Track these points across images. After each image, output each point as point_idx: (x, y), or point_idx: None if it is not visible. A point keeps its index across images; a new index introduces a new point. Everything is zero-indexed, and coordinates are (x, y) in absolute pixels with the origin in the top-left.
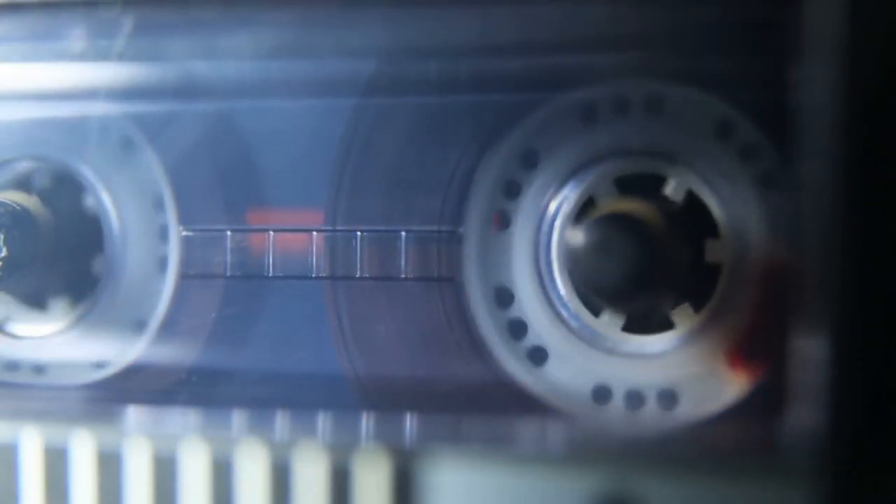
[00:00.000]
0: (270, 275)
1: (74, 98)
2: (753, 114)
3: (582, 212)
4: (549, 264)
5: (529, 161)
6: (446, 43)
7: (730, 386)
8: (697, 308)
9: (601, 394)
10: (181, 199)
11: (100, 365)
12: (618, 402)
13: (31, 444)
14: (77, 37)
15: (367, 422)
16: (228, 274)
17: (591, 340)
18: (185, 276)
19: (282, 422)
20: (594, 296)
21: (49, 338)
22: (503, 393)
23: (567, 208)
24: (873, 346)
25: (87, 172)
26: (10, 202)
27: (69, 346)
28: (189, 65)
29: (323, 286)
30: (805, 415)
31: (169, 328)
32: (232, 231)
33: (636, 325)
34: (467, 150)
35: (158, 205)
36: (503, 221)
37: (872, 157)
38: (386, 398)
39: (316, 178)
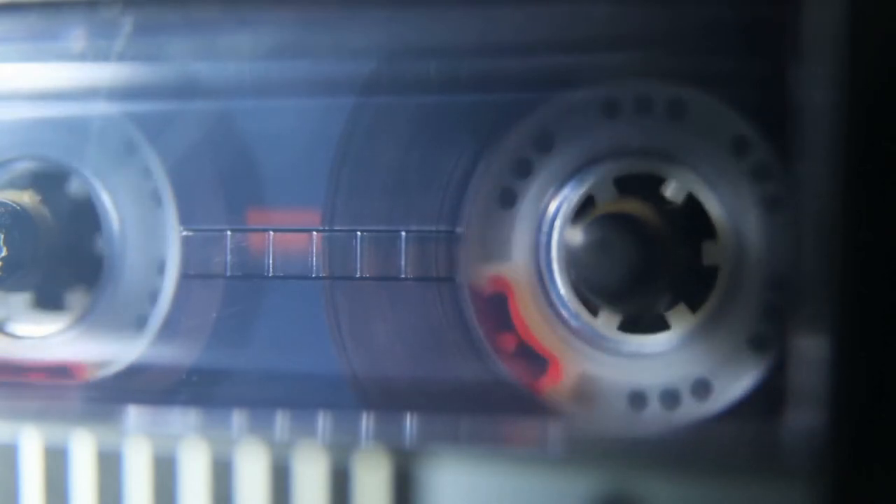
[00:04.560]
0: (270, 275)
1: (74, 98)
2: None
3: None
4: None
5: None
6: (446, 43)
7: None
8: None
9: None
10: (181, 199)
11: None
12: None
13: (31, 444)
14: (77, 37)
15: (367, 422)
16: (228, 274)
17: None
18: (185, 276)
19: (282, 422)
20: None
21: (49, 338)
22: (503, 393)
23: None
24: (873, 346)
25: (87, 172)
26: (10, 202)
27: (69, 346)
28: (189, 65)
29: (323, 286)
30: (805, 415)
31: (169, 328)
32: (232, 231)
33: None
34: (467, 150)
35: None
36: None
37: (872, 157)
38: (386, 398)
39: (316, 178)
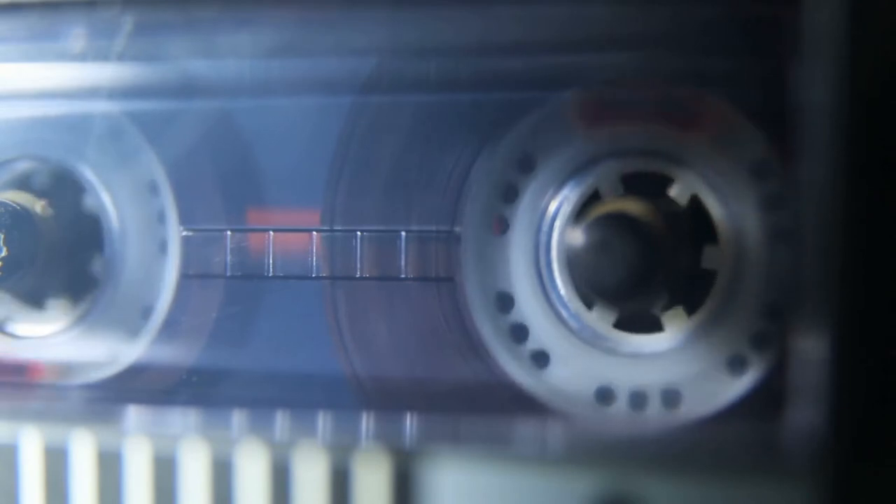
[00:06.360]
0: (270, 275)
1: (74, 98)
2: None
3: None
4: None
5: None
6: (446, 42)
7: None
8: None
9: None
10: (181, 199)
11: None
12: None
13: (31, 444)
14: (77, 37)
15: (367, 422)
16: (228, 274)
17: None
18: (185, 276)
19: (282, 422)
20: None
21: (49, 338)
22: (503, 393)
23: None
24: (873, 346)
25: (87, 172)
26: (10, 202)
27: (69, 347)
28: (189, 65)
29: (323, 286)
30: (805, 415)
31: (169, 328)
32: (232, 231)
33: None
34: (467, 150)
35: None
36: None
37: (872, 156)
38: (385, 398)
39: (316, 178)
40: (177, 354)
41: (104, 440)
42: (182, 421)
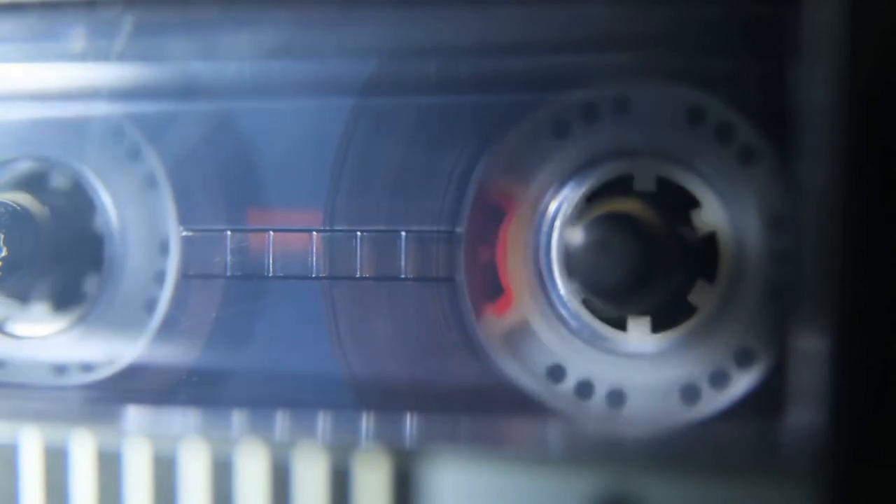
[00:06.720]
0: (270, 275)
1: (74, 98)
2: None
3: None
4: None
5: None
6: (446, 43)
7: None
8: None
9: None
10: (181, 200)
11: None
12: None
13: (31, 444)
14: (77, 37)
15: (366, 422)
16: (228, 274)
17: None
18: (185, 276)
19: (282, 422)
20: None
21: (49, 338)
22: (503, 393)
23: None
24: (873, 346)
25: (87, 172)
26: (10, 202)
27: (69, 347)
28: (189, 65)
29: (323, 286)
30: (805, 415)
31: (169, 328)
32: (232, 231)
33: None
34: (467, 150)
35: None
36: None
37: (872, 156)
38: (385, 398)
39: (316, 178)
40: (177, 354)
41: (104, 440)
42: (182, 421)
